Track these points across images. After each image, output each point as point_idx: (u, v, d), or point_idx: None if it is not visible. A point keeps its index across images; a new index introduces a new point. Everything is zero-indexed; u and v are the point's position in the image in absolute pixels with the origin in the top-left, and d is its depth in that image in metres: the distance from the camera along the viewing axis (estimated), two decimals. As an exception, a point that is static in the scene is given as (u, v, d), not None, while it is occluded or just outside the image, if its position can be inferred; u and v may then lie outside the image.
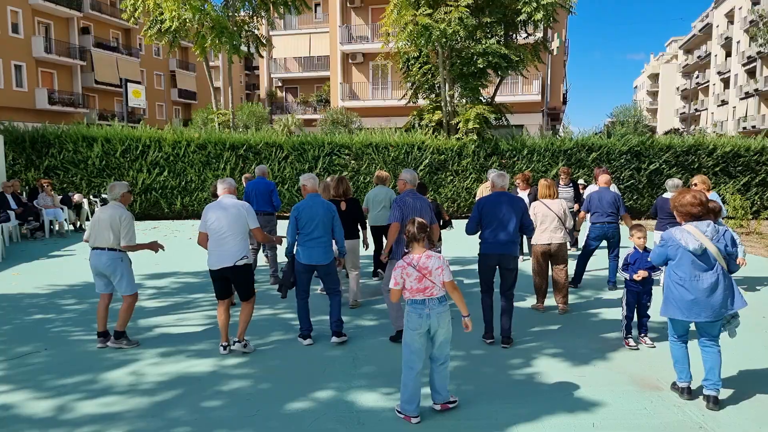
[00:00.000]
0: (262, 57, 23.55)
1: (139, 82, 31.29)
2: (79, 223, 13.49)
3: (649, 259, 5.12)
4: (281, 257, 7.99)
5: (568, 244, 6.61)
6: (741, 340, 5.43)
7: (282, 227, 7.73)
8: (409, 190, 5.33)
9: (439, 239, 6.73)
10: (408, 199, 5.23)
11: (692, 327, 4.13)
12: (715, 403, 3.97)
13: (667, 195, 7.49)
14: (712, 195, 7.47)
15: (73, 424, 3.83)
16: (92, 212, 14.21)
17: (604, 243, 7.64)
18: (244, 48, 19.61)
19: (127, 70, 37.31)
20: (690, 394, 4.12)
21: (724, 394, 4.21)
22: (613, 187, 8.78)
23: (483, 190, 8.87)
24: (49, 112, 31.64)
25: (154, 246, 5.37)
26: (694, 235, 3.88)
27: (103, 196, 14.27)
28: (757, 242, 11.59)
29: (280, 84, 38.40)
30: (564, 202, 6.50)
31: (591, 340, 5.51)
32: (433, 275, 3.72)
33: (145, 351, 5.19)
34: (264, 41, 20.59)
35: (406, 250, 3.97)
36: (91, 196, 14.42)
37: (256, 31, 20.25)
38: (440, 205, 7.69)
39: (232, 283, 5.11)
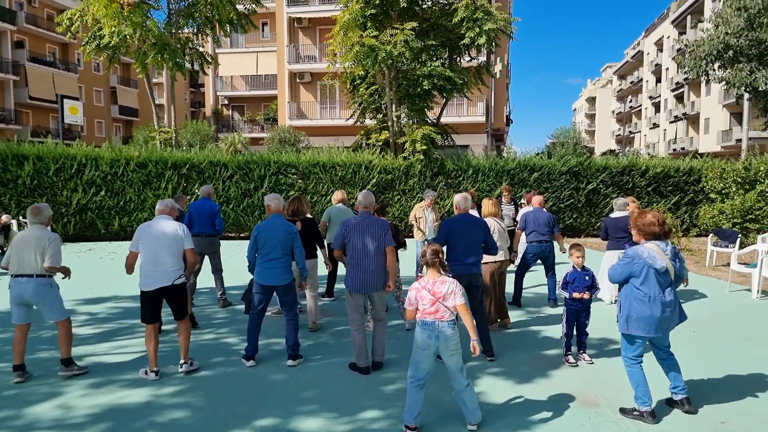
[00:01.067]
0: (207, 75, 23.17)
1: (77, 98, 30.03)
2: (7, 246, 12.65)
3: (593, 277, 5.32)
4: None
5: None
6: (676, 355, 5.66)
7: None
8: (362, 212, 5.21)
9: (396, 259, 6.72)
10: (352, 222, 5.14)
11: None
12: (690, 404, 4.22)
13: (615, 214, 7.75)
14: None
15: None
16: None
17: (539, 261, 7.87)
18: (188, 65, 19.21)
19: (64, 86, 35.81)
20: (655, 417, 4.11)
21: (662, 406, 4.35)
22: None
23: (417, 209, 9.03)
24: (-24, 128, 29.85)
25: (66, 271, 5.03)
26: (658, 254, 4.06)
27: (23, 220, 13.44)
28: (687, 259, 12.21)
29: (226, 102, 37.79)
30: (502, 221, 6.71)
31: (532, 358, 5.59)
32: (447, 300, 3.82)
33: (74, 382, 4.86)
34: (209, 59, 20.25)
35: (420, 275, 4.01)
36: (20, 218, 13.58)
37: (201, 49, 19.90)
38: (397, 226, 7.67)
39: (168, 302, 5.03)
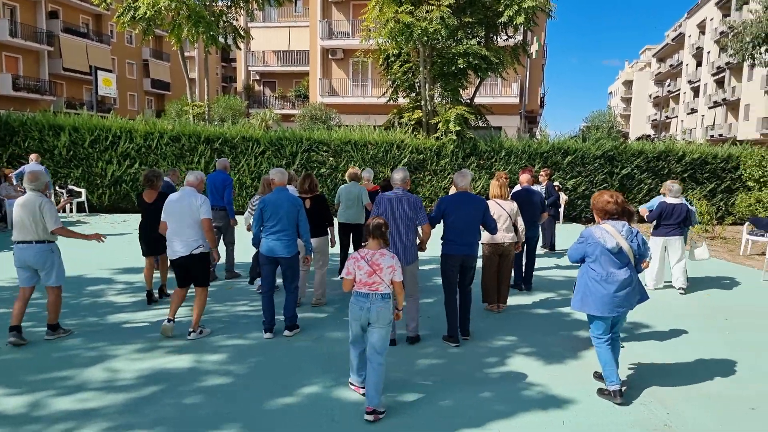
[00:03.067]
0: (240, 49, 23.22)
1: (110, 71, 30.53)
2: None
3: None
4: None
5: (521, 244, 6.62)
6: (704, 341, 5.60)
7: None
8: (397, 188, 5.22)
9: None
10: (387, 196, 5.19)
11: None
12: (622, 396, 4.14)
13: (671, 200, 7.58)
14: (682, 200, 7.69)
15: (47, 420, 3.71)
16: (57, 203, 13.80)
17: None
18: (221, 39, 19.29)
19: (97, 58, 36.37)
20: (622, 396, 4.14)
21: (690, 392, 4.33)
22: (537, 187, 8.96)
23: (452, 190, 8.90)
24: (13, 98, 30.61)
25: (95, 237, 5.32)
26: (611, 233, 4.08)
27: (59, 190, 13.83)
28: (720, 246, 11.94)
29: (257, 77, 37.95)
30: (515, 203, 6.52)
31: (563, 339, 5.59)
32: (384, 273, 3.86)
33: (119, 347, 5.05)
34: (242, 33, 20.29)
35: (364, 244, 4.06)
36: (56, 187, 14.00)
37: (235, 22, 19.93)
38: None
39: (190, 271, 5.30)
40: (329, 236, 6.72)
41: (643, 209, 8.00)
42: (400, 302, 4.06)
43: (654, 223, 7.72)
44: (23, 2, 32.38)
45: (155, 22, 18.23)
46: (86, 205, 14.49)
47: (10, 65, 31.74)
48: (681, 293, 7.72)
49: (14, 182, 12.19)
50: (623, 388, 4.23)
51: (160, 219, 5.38)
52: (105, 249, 9.52)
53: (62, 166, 14.39)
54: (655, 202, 8.27)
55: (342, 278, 4.00)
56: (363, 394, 4.02)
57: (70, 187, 14.21)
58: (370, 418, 3.77)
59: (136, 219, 13.76)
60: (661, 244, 7.63)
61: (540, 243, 10.39)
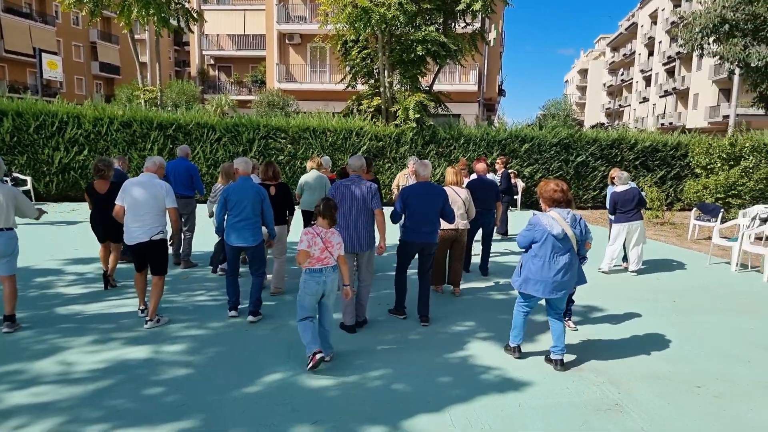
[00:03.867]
0: (192, 32, 22.47)
1: (55, 53, 29.13)
2: None
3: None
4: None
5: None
6: (653, 323, 5.83)
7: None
8: (353, 175, 5.29)
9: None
10: (342, 184, 5.24)
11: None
12: (562, 365, 4.55)
13: (620, 188, 7.86)
14: (632, 185, 7.95)
15: (2, 415, 3.57)
16: None
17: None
18: (173, 21, 18.61)
19: (41, 40, 34.62)
20: (520, 352, 4.74)
21: (640, 373, 4.50)
22: (491, 176, 9.10)
23: (400, 177, 8.88)
24: (-49, 81, 28.85)
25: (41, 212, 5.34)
26: (557, 220, 4.34)
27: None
28: (669, 232, 12.43)
29: (212, 62, 36.90)
30: (468, 192, 6.59)
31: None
32: (334, 248, 4.34)
33: (73, 339, 4.88)
34: (195, 15, 19.62)
35: (313, 222, 4.38)
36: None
37: (187, 4, 19.26)
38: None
39: (147, 258, 5.27)
40: (287, 225, 6.66)
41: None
42: (346, 276, 4.49)
43: (613, 212, 7.96)
44: (-42, -21, 30.41)
45: (102, 3, 17.42)
46: (32, 194, 13.83)
47: (-56, 46, 29.85)
48: (633, 275, 8.05)
49: None
50: (553, 366, 4.57)
51: (112, 208, 5.20)
52: (54, 239, 9.12)
53: (5, 153, 13.66)
54: (608, 192, 8.49)
55: (299, 251, 4.24)
56: (323, 358, 4.29)
57: (15, 174, 13.52)
58: (322, 357, 4.27)
59: (86, 208, 13.23)
60: (623, 229, 7.90)
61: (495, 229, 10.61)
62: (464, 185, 6.81)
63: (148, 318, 5.23)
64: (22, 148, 13.80)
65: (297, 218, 9.82)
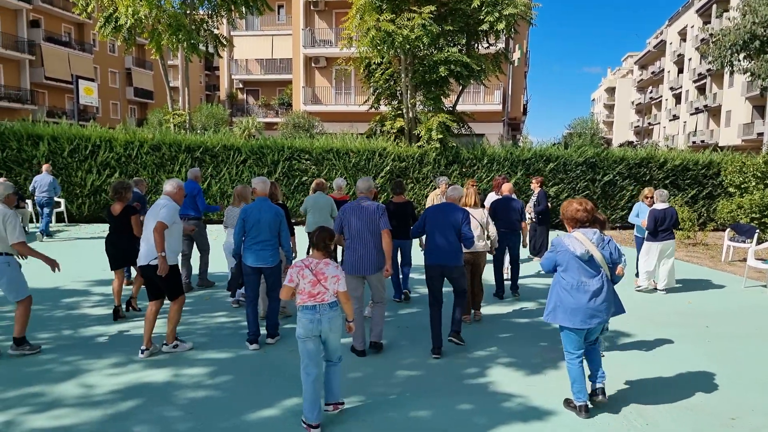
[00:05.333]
0: (221, 57, 23.07)
1: (92, 79, 30.21)
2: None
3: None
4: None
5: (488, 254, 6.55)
6: (685, 350, 5.59)
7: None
8: (360, 197, 5.31)
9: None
10: (349, 206, 5.24)
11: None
12: (604, 395, 4.19)
13: (660, 206, 7.88)
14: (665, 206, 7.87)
15: None
16: (36, 213, 13.53)
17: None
18: (202, 47, 19.13)
19: (79, 67, 36.00)
20: (588, 412, 4.07)
21: (669, 404, 4.29)
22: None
23: (433, 198, 8.86)
24: (-6, 107, 30.19)
25: (51, 263, 5.03)
26: (581, 241, 4.02)
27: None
28: (702, 253, 12.02)
29: (241, 86, 37.75)
30: (485, 212, 6.46)
31: (543, 349, 5.54)
32: (328, 282, 3.80)
33: (94, 362, 4.93)
34: (224, 41, 20.15)
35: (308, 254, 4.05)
36: (34, 197, 13.71)
37: (216, 31, 19.81)
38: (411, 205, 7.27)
39: (154, 282, 5.10)
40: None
41: (643, 221, 8.11)
42: (348, 313, 3.99)
43: (655, 230, 7.86)
44: (4, 11, 31.97)
45: (136, 31, 18.04)
46: (65, 215, 14.23)
47: (-10, 74, 31.30)
48: (663, 294, 8.02)
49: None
50: (599, 398, 4.19)
51: (126, 232, 5.26)
52: (82, 260, 9.32)
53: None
54: (636, 209, 8.39)
55: (282, 286, 3.84)
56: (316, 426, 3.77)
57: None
58: (332, 409, 3.95)
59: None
60: (657, 248, 7.90)
61: (528, 251, 10.46)
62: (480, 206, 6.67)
63: (165, 342, 5.24)
64: (56, 171, 14.24)
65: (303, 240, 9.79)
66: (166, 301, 5.27)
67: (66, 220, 14.25)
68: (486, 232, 6.34)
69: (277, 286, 5.50)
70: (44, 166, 12.28)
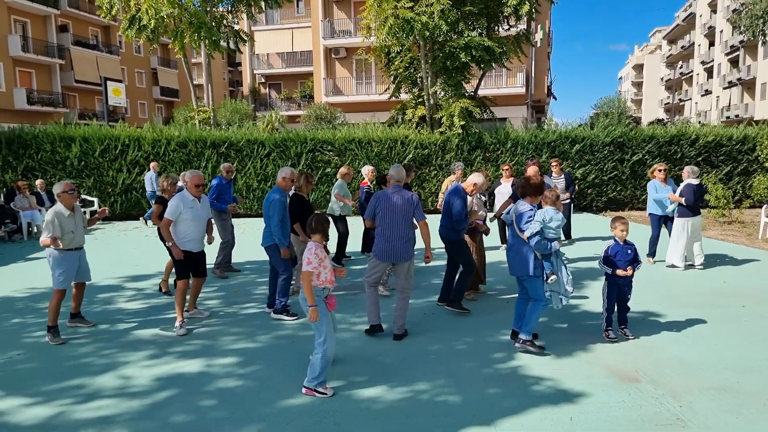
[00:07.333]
0: (242, 53, 23.30)
1: (119, 81, 30.78)
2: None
3: (636, 251, 5.20)
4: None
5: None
6: (720, 330, 5.46)
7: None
8: (393, 185, 5.32)
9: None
10: (383, 194, 5.29)
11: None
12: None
13: (694, 181, 7.87)
14: (669, 184, 8.09)
15: (66, 428, 3.74)
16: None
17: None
18: (223, 43, 19.31)
19: (107, 68, 36.74)
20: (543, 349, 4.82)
21: (704, 385, 4.21)
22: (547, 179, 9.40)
23: (448, 183, 8.79)
24: (28, 112, 31.09)
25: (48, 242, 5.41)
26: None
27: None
28: (738, 231, 11.67)
29: (263, 80, 38.04)
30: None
31: (570, 332, 5.48)
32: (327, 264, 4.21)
33: (131, 354, 5.10)
34: (244, 36, 20.30)
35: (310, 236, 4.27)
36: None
37: (236, 26, 19.97)
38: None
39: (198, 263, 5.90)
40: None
41: (675, 196, 7.97)
42: (310, 298, 4.09)
43: (695, 204, 7.85)
44: (34, 17, 32.79)
45: (159, 31, 18.31)
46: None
47: (23, 80, 32.19)
48: (701, 269, 8.06)
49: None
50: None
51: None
52: (116, 256, 9.59)
53: (74, 176, 14.55)
54: (653, 187, 8.38)
55: (304, 272, 4.07)
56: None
57: (83, 196, 14.37)
58: (304, 392, 4.21)
59: (146, 226, 13.86)
60: (688, 223, 7.90)
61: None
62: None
63: (186, 309, 6.02)
64: (89, 171, 14.65)
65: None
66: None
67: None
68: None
69: (277, 265, 6.12)
70: (152, 164, 14.00)
